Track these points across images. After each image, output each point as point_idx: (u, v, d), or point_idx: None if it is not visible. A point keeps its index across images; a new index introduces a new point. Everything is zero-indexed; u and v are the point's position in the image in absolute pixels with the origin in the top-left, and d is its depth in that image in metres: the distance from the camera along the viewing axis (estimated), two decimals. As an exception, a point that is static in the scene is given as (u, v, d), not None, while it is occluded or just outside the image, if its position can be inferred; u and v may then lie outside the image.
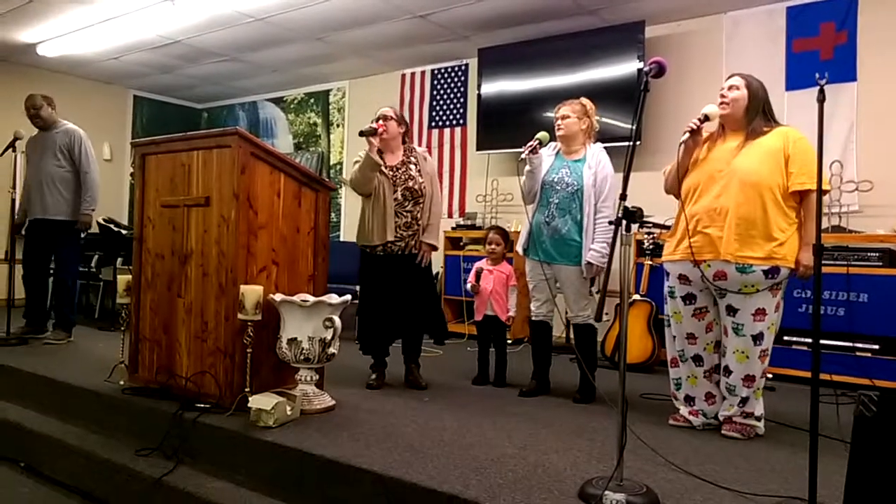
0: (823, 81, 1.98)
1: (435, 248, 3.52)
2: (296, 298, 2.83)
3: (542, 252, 3.27)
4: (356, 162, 3.44)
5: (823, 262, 2.08)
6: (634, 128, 2.22)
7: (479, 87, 5.84)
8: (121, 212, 7.57)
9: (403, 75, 6.63)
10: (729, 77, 2.78)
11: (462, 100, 6.26)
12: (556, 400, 3.30)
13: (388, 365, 3.56)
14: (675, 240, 2.79)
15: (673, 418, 2.87)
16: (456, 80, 6.32)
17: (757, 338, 2.61)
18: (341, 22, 5.33)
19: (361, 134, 3.35)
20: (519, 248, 3.44)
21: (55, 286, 4.67)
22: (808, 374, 2.95)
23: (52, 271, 4.70)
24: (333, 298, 2.88)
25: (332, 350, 2.85)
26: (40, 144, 4.59)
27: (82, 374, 3.45)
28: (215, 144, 2.93)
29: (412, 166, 3.48)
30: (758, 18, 4.70)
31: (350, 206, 6.96)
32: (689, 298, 2.76)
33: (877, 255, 3.76)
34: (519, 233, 3.62)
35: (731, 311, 2.65)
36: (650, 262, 4.34)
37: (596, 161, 3.23)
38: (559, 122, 3.29)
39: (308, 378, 2.89)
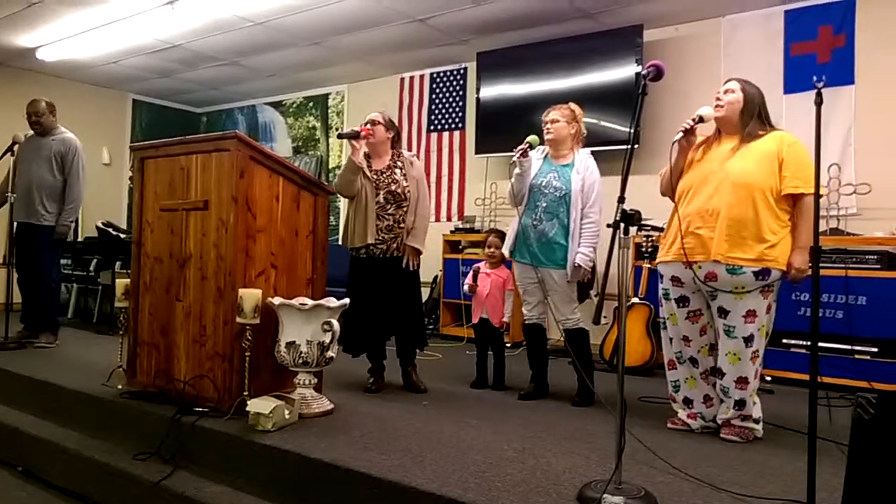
0: (821, 85, 1.98)
1: (420, 252, 3.50)
2: (294, 302, 2.83)
3: (528, 254, 3.29)
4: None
5: (822, 264, 2.08)
6: (632, 131, 2.23)
7: (477, 90, 5.85)
8: (119, 215, 7.57)
9: (402, 79, 6.65)
10: (726, 81, 2.79)
11: (461, 103, 6.28)
12: (554, 403, 3.30)
13: (385, 368, 3.56)
14: (668, 241, 2.80)
15: (671, 422, 2.87)
16: (455, 83, 6.33)
17: (748, 340, 2.61)
18: (340, 26, 5.34)
19: (341, 136, 3.38)
20: (505, 250, 3.46)
21: (38, 290, 4.66)
22: (806, 377, 2.95)
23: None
24: (332, 302, 2.88)
25: (330, 354, 2.84)
26: (34, 149, 4.57)
27: (80, 378, 3.44)
28: (214, 148, 2.93)
29: (398, 170, 3.49)
30: (756, 22, 4.72)
31: (349, 210, 6.95)
32: (682, 301, 2.77)
33: (875, 257, 3.76)
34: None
35: (723, 312, 2.65)
36: (648, 265, 4.35)
37: (584, 167, 3.26)
38: (548, 125, 3.32)
39: (306, 382, 2.89)
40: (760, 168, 2.58)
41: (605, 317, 4.51)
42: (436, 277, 5.96)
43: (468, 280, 3.72)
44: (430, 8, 4.92)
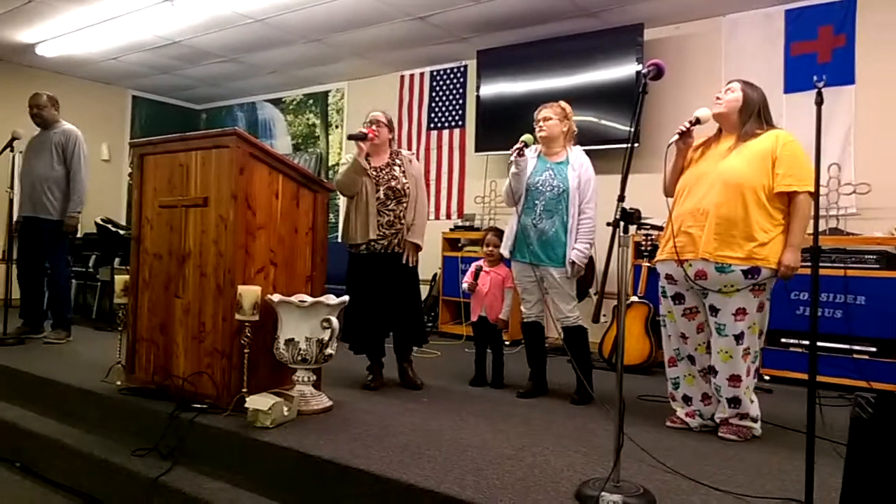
0: (821, 84, 1.99)
1: (420, 248, 3.54)
2: (293, 299, 2.83)
3: (529, 254, 3.30)
4: (343, 164, 3.47)
5: (821, 264, 2.08)
6: (633, 130, 2.23)
7: (477, 88, 5.85)
8: (119, 212, 7.56)
9: (402, 77, 6.64)
10: (728, 82, 2.81)
11: (461, 101, 6.27)
12: (553, 401, 3.30)
13: (384, 365, 3.56)
14: (664, 240, 2.82)
15: (670, 420, 2.87)
16: (455, 81, 6.33)
17: (738, 337, 2.62)
18: (340, 23, 5.33)
19: (351, 137, 3.38)
20: (504, 250, 3.46)
21: (49, 287, 4.68)
22: (805, 377, 2.96)
23: (47, 271, 4.70)
24: (331, 299, 2.88)
25: (329, 351, 2.84)
26: (37, 144, 4.60)
27: (79, 374, 3.44)
28: (214, 145, 2.93)
29: (396, 167, 3.52)
30: (756, 21, 4.71)
31: (348, 208, 6.95)
32: (678, 298, 2.78)
33: (874, 257, 3.76)
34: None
35: (714, 310, 2.66)
36: (648, 264, 4.35)
37: (579, 164, 3.29)
38: (541, 123, 3.33)
39: (305, 379, 2.89)
40: (752, 167, 2.58)
41: (604, 315, 4.51)
42: (435, 275, 5.96)
43: (468, 278, 3.73)
44: (430, 5, 4.91)
